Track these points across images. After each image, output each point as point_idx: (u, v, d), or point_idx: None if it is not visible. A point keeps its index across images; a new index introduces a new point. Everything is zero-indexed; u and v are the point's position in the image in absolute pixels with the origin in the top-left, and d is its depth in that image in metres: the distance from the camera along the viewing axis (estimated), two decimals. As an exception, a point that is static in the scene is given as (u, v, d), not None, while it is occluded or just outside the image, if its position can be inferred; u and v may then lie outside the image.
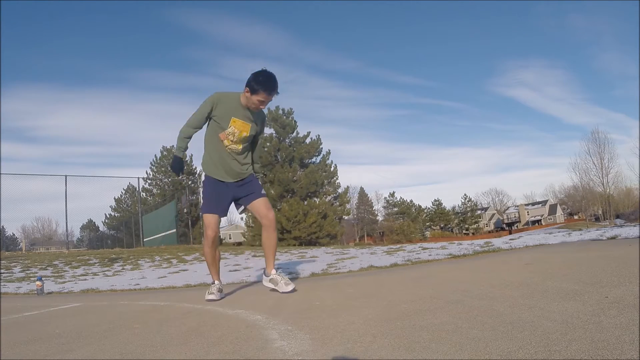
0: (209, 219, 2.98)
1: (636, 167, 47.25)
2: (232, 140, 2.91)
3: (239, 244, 31.84)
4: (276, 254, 3.24)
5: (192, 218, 21.89)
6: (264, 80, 2.74)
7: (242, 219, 30.54)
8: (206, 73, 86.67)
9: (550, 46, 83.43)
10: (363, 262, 5.04)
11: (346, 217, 35.70)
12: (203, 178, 3.12)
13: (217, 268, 3.11)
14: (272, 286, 2.99)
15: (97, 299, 4.09)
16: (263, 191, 3.08)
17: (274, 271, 2.99)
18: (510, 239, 6.29)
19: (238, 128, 2.89)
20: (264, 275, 3.14)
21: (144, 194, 30.30)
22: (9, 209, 13.61)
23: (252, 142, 3.09)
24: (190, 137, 2.98)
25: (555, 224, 53.85)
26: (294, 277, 4.46)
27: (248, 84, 2.76)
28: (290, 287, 2.88)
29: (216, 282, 3.06)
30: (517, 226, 65.21)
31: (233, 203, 3.10)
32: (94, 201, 20.56)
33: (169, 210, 16.76)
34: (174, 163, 3.03)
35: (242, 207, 3.11)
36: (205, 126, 2.98)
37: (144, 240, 16.78)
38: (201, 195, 3.09)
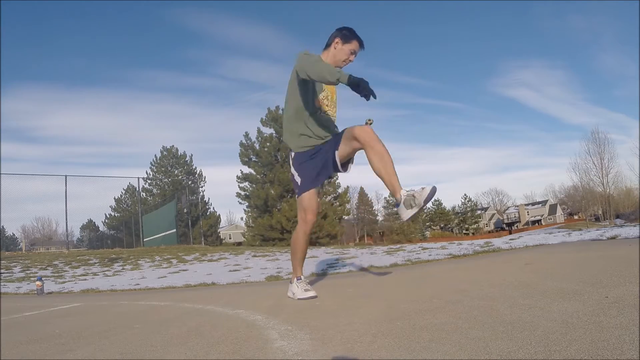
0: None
1: (636, 167, 47.28)
2: (327, 105, 2.61)
3: (239, 244, 31.84)
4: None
5: (192, 218, 21.88)
6: (353, 30, 2.49)
7: (242, 219, 30.47)
8: (206, 73, 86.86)
9: (550, 46, 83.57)
10: (363, 262, 5.04)
11: (346, 217, 35.71)
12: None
13: None
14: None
15: (97, 299, 4.09)
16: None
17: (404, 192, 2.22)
18: (510, 239, 6.29)
19: (330, 90, 2.60)
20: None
21: (144, 194, 30.32)
22: (9, 209, 13.57)
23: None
24: None
25: (555, 224, 53.82)
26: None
27: (337, 35, 2.49)
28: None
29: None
30: (517, 226, 65.19)
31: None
32: (94, 201, 20.35)
33: (169, 210, 16.77)
34: (363, 83, 2.08)
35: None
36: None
37: (144, 240, 16.80)
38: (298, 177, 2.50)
